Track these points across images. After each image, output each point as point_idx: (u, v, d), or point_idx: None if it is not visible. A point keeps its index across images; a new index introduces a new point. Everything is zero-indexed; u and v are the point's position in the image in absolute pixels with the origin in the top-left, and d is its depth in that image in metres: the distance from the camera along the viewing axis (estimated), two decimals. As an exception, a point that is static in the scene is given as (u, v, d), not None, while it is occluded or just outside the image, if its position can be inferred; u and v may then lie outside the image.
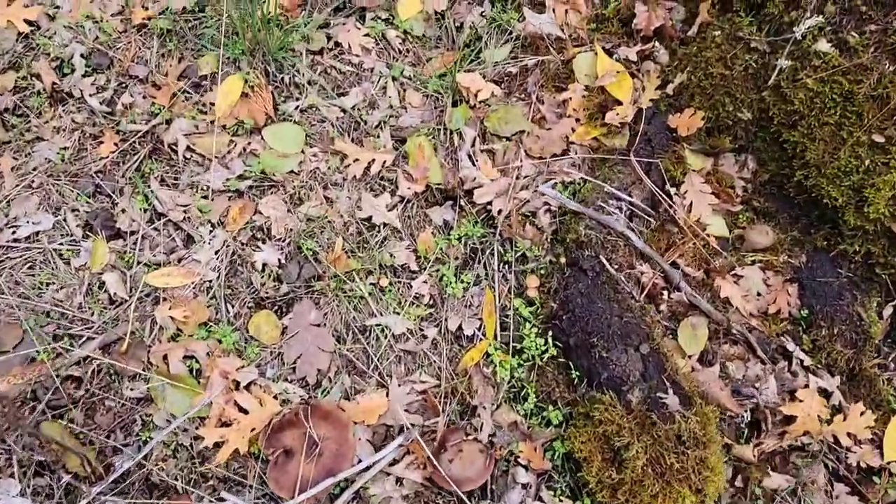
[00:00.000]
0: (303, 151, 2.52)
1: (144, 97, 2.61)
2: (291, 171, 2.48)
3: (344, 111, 2.62)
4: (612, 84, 2.48)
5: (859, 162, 2.06)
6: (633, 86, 2.52)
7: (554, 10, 2.71)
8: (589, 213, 2.19)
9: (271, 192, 2.44)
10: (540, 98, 2.59)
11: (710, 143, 2.35)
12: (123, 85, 2.64)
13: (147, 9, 2.79)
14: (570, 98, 2.54)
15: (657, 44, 2.57)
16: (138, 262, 2.28)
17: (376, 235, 2.37)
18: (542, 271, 2.23)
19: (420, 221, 2.42)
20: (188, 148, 2.50)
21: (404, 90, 2.67)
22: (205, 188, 2.43)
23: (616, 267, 2.12)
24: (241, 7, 2.68)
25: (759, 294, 2.21)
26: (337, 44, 2.76)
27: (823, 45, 2.12)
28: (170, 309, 2.17)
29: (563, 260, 2.17)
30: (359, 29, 2.78)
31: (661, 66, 2.55)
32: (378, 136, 2.56)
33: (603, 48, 2.60)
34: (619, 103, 2.48)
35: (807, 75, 2.14)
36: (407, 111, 2.62)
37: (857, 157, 2.06)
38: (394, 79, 2.68)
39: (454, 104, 2.63)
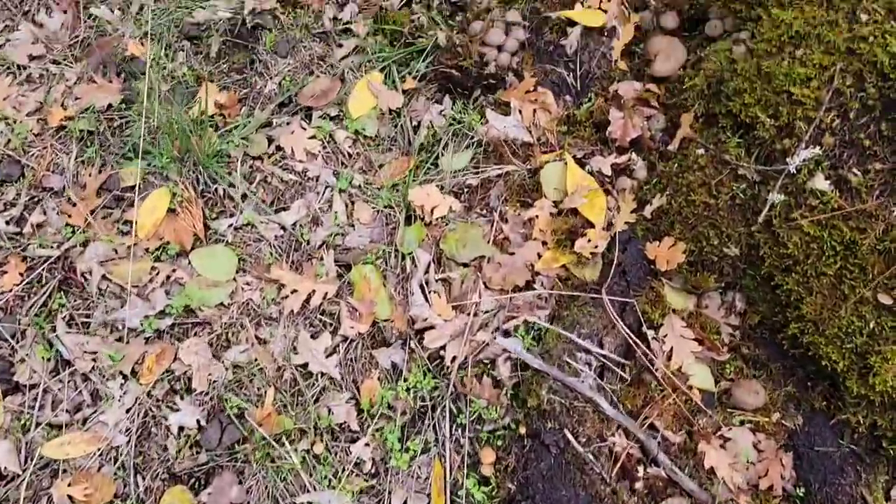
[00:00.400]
0: (235, 279, 2.24)
1: (59, 213, 2.32)
2: (220, 305, 2.19)
3: (284, 229, 2.33)
4: (584, 205, 2.20)
5: (863, 323, 1.78)
6: (607, 204, 2.24)
7: (520, 112, 2.43)
8: (553, 374, 1.90)
9: (195, 333, 2.14)
10: (503, 215, 2.30)
11: (692, 281, 2.07)
12: (35, 199, 2.36)
13: (66, 108, 2.51)
14: (537, 216, 2.26)
15: (634, 155, 2.28)
16: (37, 424, 1.99)
17: (313, 385, 2.08)
18: (500, 441, 1.94)
19: (365, 364, 2.13)
20: (104, 277, 2.21)
21: (353, 203, 2.39)
22: (120, 327, 2.13)
23: (584, 441, 1.84)
24: (167, 108, 2.40)
25: (748, 462, 1.93)
26: (279, 148, 2.47)
27: (821, 183, 1.84)
28: (69, 485, 1.88)
29: (522, 430, 1.89)
30: (304, 130, 2.49)
31: (638, 181, 2.27)
32: (321, 259, 2.27)
33: (574, 157, 2.32)
34: (591, 225, 2.20)
35: (802, 215, 1.86)
36: (355, 229, 2.34)
37: (861, 318, 1.78)
38: (341, 191, 2.39)
39: (408, 220, 2.34)
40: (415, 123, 2.53)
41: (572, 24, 2.44)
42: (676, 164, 2.16)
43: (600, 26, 2.41)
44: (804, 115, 1.87)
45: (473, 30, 2.48)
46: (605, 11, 2.42)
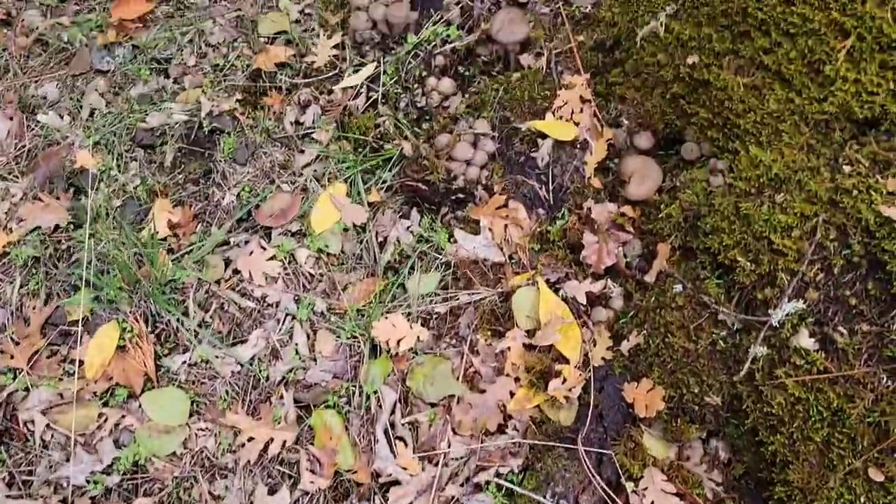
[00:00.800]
0: (188, 424, 2.10)
1: (0, 353, 2.18)
2: (172, 455, 2.05)
3: (241, 365, 2.20)
4: (558, 341, 2.08)
5: (853, 497, 1.66)
6: (583, 336, 2.12)
7: (491, 230, 2.31)
8: (524, 548, 1.78)
9: (144, 491, 2.00)
10: (474, 346, 2.18)
11: (672, 430, 1.95)
12: (-26, 338, 2.21)
13: (10, 231, 2.37)
14: (510, 348, 2.13)
15: (610, 282, 2.17)
16: None
17: (271, 550, 1.95)
18: None
19: (327, 520, 2.00)
20: (48, 427, 2.07)
21: (314, 333, 2.25)
22: (65, 485, 1.99)
23: None
24: (116, 233, 2.26)
25: None
26: (236, 271, 2.34)
27: (805, 340, 1.73)
28: None
29: None
30: (263, 250, 2.36)
31: (614, 311, 2.15)
32: (280, 398, 2.14)
33: (547, 280, 2.20)
34: (566, 360, 2.08)
35: (786, 374, 1.75)
36: (317, 363, 2.20)
37: (851, 491, 1.67)
38: (302, 321, 2.25)
39: (373, 350, 2.21)
40: (381, 240, 2.41)
41: (544, 135, 2.33)
42: (654, 299, 2.04)
43: (572, 140, 2.29)
44: (786, 266, 1.76)
45: (440, 143, 2.36)
46: (577, 124, 2.31)
